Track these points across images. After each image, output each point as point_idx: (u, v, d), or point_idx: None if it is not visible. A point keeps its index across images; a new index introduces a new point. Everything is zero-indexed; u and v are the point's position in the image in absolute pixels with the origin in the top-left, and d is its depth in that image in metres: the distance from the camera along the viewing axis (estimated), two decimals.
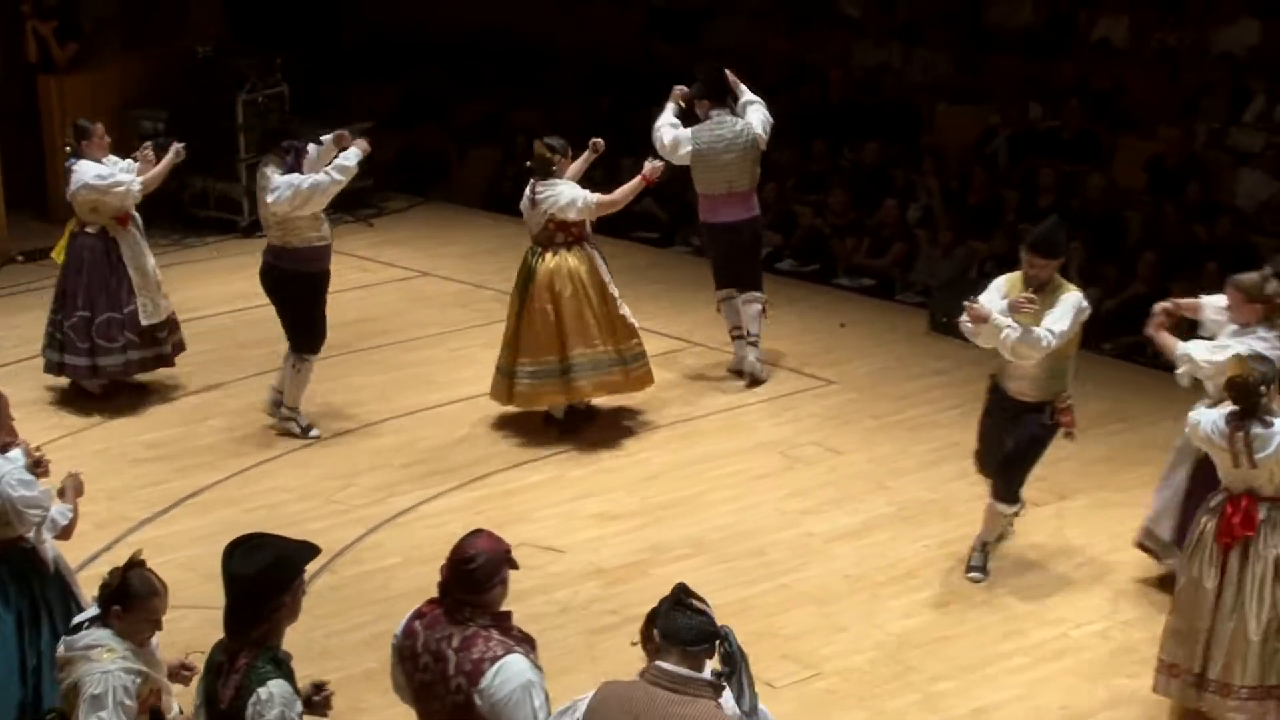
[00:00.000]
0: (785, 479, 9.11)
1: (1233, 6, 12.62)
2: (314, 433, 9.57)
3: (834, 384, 10.40)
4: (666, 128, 9.93)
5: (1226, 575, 6.42)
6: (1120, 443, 9.41)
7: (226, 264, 12.73)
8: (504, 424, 9.77)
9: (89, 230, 9.79)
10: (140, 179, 9.71)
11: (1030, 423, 7.61)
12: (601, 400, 9.84)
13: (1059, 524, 8.52)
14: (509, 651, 4.81)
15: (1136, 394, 9.99)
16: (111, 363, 9.89)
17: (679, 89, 10.09)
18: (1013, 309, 7.40)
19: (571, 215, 9.26)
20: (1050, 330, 7.32)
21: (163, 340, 10.07)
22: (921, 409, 9.87)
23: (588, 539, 8.43)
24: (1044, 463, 7.92)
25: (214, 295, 11.99)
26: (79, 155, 9.67)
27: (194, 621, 6.41)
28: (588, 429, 9.66)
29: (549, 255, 9.36)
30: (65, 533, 6.23)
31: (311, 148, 9.38)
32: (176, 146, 9.81)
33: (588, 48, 14.91)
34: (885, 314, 11.69)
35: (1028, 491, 8.03)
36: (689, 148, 9.87)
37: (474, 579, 4.87)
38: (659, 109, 10.08)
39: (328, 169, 9.16)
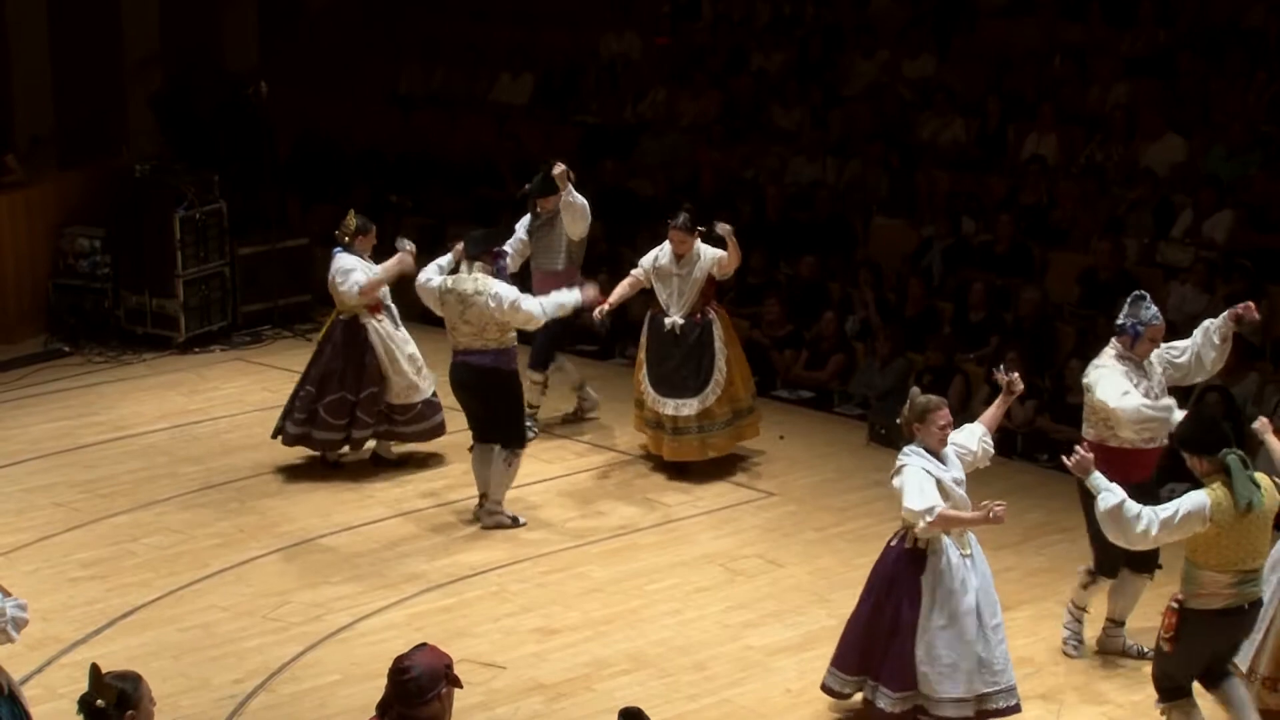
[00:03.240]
0: (726, 592, 9.08)
1: (1158, 124, 12.90)
2: (522, 520, 9.86)
3: (774, 496, 10.41)
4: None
5: None
6: (1058, 553, 9.45)
7: (160, 380, 12.65)
8: (442, 539, 9.71)
9: (341, 317, 10.46)
10: (362, 283, 10.23)
11: None
12: (538, 513, 10.03)
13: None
14: None
15: (1073, 505, 10.02)
16: (330, 437, 10.45)
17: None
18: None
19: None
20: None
21: (398, 422, 10.54)
22: (862, 521, 9.88)
23: (529, 654, 8.35)
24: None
25: (149, 412, 11.90)
26: (347, 247, 10.30)
27: None
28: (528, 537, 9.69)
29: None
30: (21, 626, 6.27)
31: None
32: (406, 248, 10.39)
33: (524, 164, 15.02)
34: (825, 426, 11.74)
35: None
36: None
37: (408, 690, 4.87)
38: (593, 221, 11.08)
39: (544, 302, 9.65)
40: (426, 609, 8.84)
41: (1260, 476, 6.94)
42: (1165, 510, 6.83)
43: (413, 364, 10.55)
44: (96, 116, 14.22)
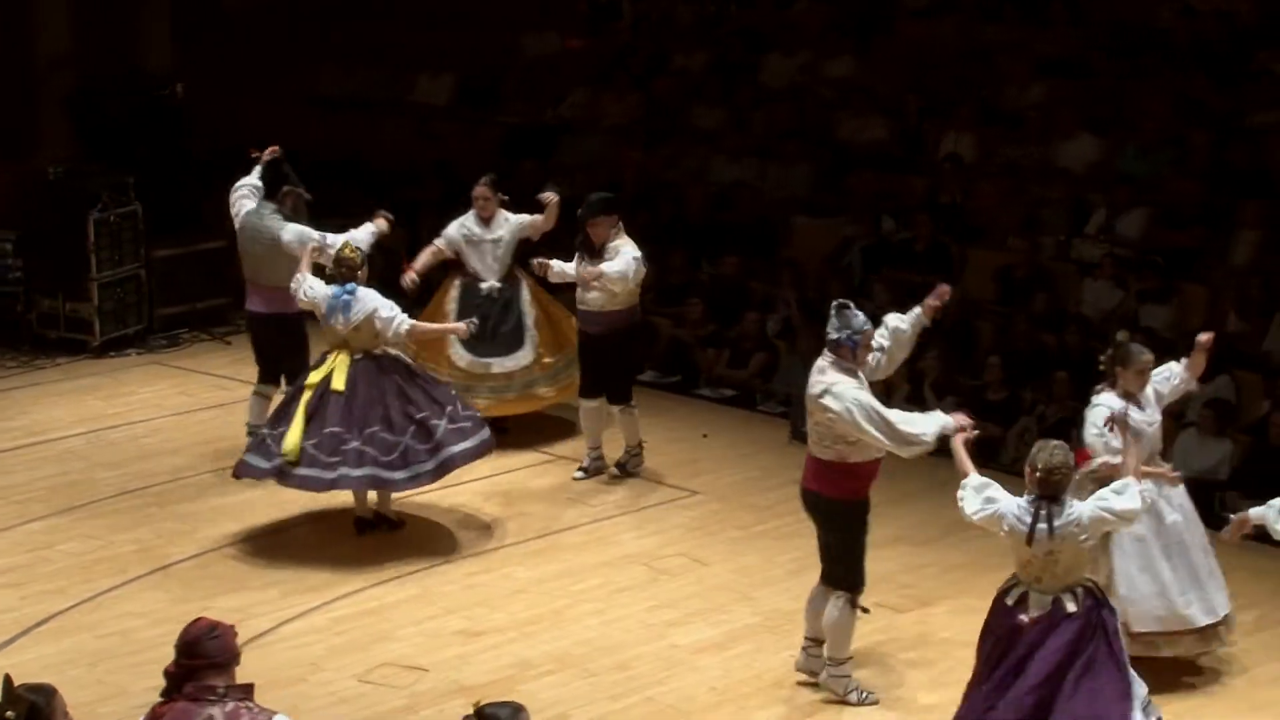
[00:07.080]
0: (650, 591, 9.09)
1: (1072, 124, 13.04)
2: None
3: (698, 494, 10.43)
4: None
5: None
6: (977, 549, 9.49)
7: (75, 385, 12.48)
8: (364, 540, 9.65)
9: (356, 357, 9.45)
10: (411, 322, 9.45)
11: None
12: (462, 514, 9.93)
13: (923, 630, 8.58)
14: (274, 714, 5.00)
15: None
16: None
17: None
18: None
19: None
20: None
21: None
22: (785, 519, 9.91)
23: (452, 656, 8.32)
24: (907, 569, 7.92)
25: (64, 417, 11.75)
26: (359, 281, 9.68)
27: None
28: (451, 540, 9.62)
29: None
30: None
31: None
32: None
33: (445, 165, 14.95)
34: (747, 424, 11.78)
35: (890, 598, 8.02)
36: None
37: (220, 647, 5.08)
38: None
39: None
40: (349, 612, 8.77)
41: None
42: None
43: None
44: (7, 117, 14.01)
